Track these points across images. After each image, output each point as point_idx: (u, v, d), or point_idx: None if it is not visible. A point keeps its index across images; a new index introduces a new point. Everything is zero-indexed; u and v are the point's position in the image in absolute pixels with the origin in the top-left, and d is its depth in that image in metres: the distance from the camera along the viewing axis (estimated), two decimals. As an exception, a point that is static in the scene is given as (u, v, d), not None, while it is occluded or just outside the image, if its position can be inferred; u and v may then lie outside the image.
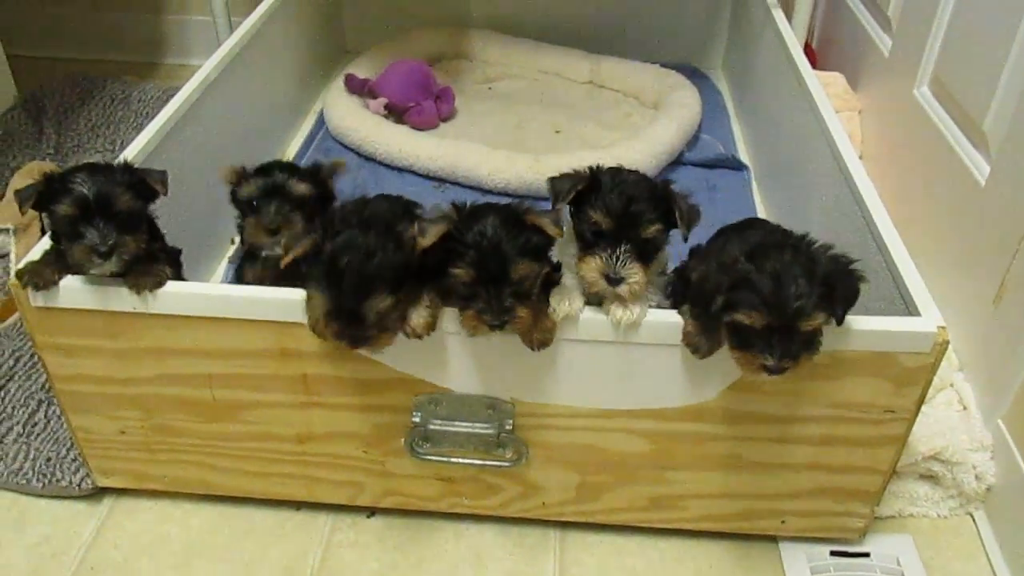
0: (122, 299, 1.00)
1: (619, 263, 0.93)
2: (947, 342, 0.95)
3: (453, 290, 0.94)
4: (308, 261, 0.94)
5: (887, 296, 1.07)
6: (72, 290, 1.01)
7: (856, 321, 0.95)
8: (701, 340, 0.95)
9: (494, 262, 0.91)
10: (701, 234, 1.56)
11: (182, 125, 1.40)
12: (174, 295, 1.00)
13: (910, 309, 1.00)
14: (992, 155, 1.28)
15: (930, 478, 1.23)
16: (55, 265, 1.00)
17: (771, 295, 0.87)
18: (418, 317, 0.96)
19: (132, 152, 1.26)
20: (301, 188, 1.12)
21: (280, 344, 1.02)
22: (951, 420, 1.23)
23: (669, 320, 0.97)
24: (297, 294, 0.98)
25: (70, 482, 1.20)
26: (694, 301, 0.95)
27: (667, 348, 0.98)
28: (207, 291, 1.01)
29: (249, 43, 1.67)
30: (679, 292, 1.02)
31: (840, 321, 0.91)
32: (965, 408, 1.25)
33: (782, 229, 1.01)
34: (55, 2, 2.41)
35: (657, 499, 1.13)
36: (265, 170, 1.15)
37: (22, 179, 1.68)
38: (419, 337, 0.96)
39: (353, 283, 0.90)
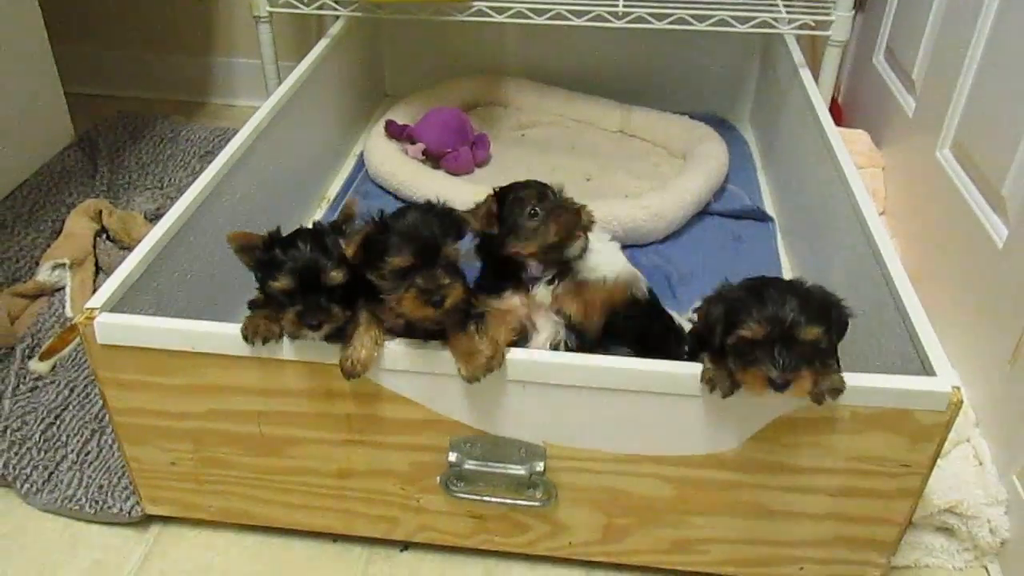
0: (180, 339, 1.07)
1: None
2: (961, 401, 0.99)
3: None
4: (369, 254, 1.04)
5: (904, 353, 1.12)
6: (134, 329, 1.08)
7: (874, 379, 1.00)
8: (719, 376, 1.00)
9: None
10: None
11: (236, 169, 1.48)
12: (228, 336, 1.07)
13: (926, 368, 1.05)
14: (1010, 219, 1.33)
15: (946, 530, 1.26)
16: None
17: (768, 309, 0.95)
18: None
19: (190, 196, 1.34)
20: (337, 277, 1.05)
21: (326, 385, 1.08)
22: (967, 474, 1.27)
23: (694, 371, 1.02)
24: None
25: (120, 509, 1.27)
26: (703, 339, 1.02)
27: (692, 398, 1.04)
28: (260, 333, 1.07)
29: (298, 91, 1.75)
30: (694, 345, 1.08)
31: (834, 345, 0.99)
32: (980, 463, 1.29)
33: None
34: (109, 43, 2.53)
35: (680, 542, 1.18)
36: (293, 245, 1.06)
37: (78, 217, 1.76)
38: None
39: (428, 235, 1.03)
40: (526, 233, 1.14)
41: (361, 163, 2.06)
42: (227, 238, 1.07)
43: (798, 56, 1.91)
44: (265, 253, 1.06)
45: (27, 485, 1.30)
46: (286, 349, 1.06)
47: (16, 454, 1.34)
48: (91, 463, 1.33)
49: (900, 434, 1.03)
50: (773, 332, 0.95)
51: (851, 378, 0.99)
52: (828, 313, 0.98)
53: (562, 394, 1.06)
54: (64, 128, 2.16)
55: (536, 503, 1.15)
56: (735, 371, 0.98)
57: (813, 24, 1.88)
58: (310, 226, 1.11)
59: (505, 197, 1.17)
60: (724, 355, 0.99)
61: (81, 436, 1.37)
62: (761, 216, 1.89)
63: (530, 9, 1.87)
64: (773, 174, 2.03)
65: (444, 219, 1.07)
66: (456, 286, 1.03)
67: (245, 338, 1.05)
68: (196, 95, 2.57)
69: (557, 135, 2.23)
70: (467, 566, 1.24)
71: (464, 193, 1.83)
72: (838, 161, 1.49)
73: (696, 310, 1.08)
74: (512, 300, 1.14)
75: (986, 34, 1.49)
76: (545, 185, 1.20)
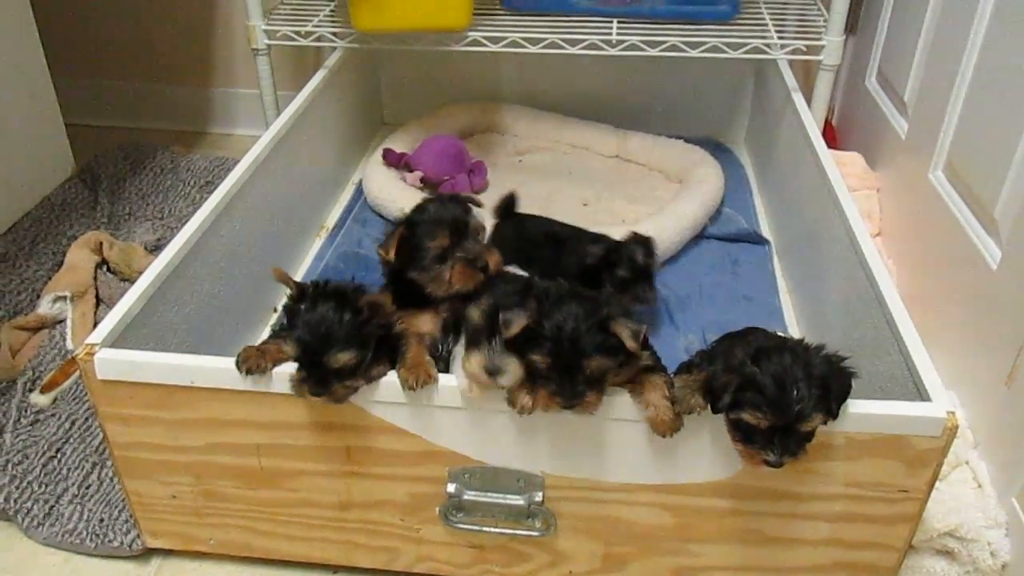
0: (179, 374, 1.08)
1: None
2: (956, 427, 1.00)
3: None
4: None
5: (899, 378, 1.12)
6: (134, 365, 1.09)
7: (868, 405, 1.01)
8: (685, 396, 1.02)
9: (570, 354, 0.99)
10: (721, 309, 1.64)
11: (236, 200, 1.49)
12: (228, 371, 1.07)
13: (921, 393, 1.05)
14: (1003, 241, 1.34)
15: (947, 554, 1.26)
16: None
17: (775, 398, 0.95)
18: None
19: (190, 229, 1.35)
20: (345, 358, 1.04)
21: (325, 417, 1.09)
22: (966, 497, 1.27)
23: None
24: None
25: (121, 543, 1.27)
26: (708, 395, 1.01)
27: (689, 427, 1.04)
28: (259, 367, 1.08)
29: (296, 121, 1.77)
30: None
31: (836, 416, 0.98)
32: (980, 486, 1.29)
33: (779, 335, 1.09)
34: (109, 75, 2.56)
35: (679, 570, 1.18)
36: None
37: (79, 249, 1.77)
38: None
39: (576, 345, 0.99)
40: (429, 274, 1.16)
41: (360, 191, 2.08)
42: (272, 270, 1.10)
43: (791, 80, 1.92)
44: (295, 303, 1.06)
45: (28, 519, 1.31)
46: (284, 383, 1.07)
47: (17, 488, 1.34)
48: (92, 496, 1.34)
49: (896, 460, 1.03)
50: (777, 423, 0.96)
51: (846, 406, 1.00)
52: (829, 388, 0.97)
53: (560, 424, 1.06)
54: (65, 160, 2.18)
55: (535, 533, 1.15)
56: (733, 442, 1.01)
57: (805, 49, 1.90)
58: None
59: (416, 223, 1.17)
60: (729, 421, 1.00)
61: (82, 469, 1.37)
62: (757, 239, 1.90)
63: (525, 38, 1.89)
64: (769, 197, 2.04)
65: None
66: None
67: (237, 366, 1.06)
68: (196, 125, 2.60)
69: (554, 161, 2.25)
70: (468, 596, 1.24)
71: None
72: (831, 185, 1.50)
73: (694, 362, 1.09)
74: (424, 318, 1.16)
75: (976, 56, 1.51)
76: (460, 219, 1.17)
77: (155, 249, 1.85)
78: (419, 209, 1.20)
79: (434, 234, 1.14)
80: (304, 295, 1.06)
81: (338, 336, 1.02)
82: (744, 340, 1.04)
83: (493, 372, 1.01)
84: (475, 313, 1.03)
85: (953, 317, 1.46)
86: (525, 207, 1.99)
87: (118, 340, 1.14)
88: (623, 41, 1.86)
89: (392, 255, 1.15)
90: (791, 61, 2.00)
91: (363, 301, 1.04)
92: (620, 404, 1.04)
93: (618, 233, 1.75)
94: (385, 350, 1.09)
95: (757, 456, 0.98)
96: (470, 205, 1.23)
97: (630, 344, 0.99)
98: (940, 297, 1.52)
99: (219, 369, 1.07)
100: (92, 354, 1.09)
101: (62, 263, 1.78)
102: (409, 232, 1.16)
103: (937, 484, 1.07)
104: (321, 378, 1.03)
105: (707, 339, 1.12)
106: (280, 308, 1.09)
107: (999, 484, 1.27)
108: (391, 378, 1.06)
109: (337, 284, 1.09)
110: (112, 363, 1.09)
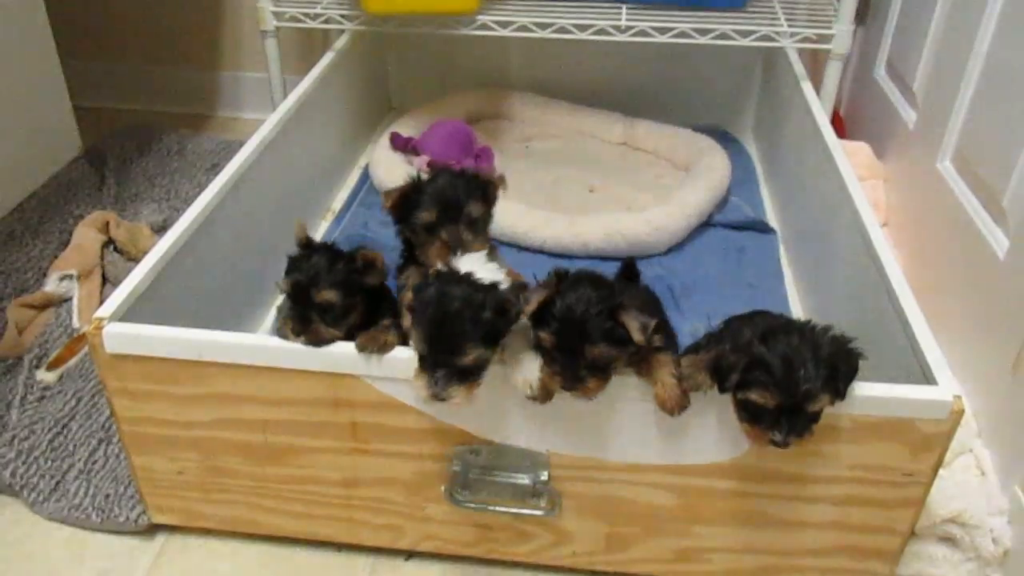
0: (188, 348, 1.09)
1: None
2: (962, 411, 1.00)
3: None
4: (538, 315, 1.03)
5: (906, 363, 1.12)
6: (142, 338, 1.09)
7: (875, 388, 1.01)
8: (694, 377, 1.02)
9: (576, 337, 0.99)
10: (726, 297, 1.64)
11: (242, 182, 1.49)
12: (236, 346, 1.08)
13: (927, 377, 1.05)
14: (1011, 231, 1.34)
15: (949, 540, 1.26)
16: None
17: (783, 378, 0.95)
18: None
19: (197, 208, 1.35)
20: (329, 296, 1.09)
21: (333, 394, 1.09)
22: (969, 484, 1.27)
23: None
24: (349, 347, 1.06)
25: (127, 518, 1.27)
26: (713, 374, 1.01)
27: (695, 408, 1.04)
28: (266, 343, 1.09)
29: (303, 104, 1.77)
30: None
31: (843, 396, 0.99)
32: (983, 473, 1.29)
33: (787, 317, 1.08)
34: (117, 57, 2.56)
35: (683, 552, 1.18)
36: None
37: (86, 228, 1.78)
38: None
39: (580, 330, 0.99)
40: (417, 239, 1.21)
41: (366, 175, 2.08)
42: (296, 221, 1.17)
43: (800, 69, 1.92)
44: (301, 251, 1.14)
45: (34, 494, 1.31)
46: (292, 358, 1.07)
47: (24, 463, 1.35)
48: (98, 472, 1.34)
49: (902, 443, 1.03)
50: (784, 403, 0.96)
51: (853, 387, 1.00)
52: (837, 368, 0.97)
53: (566, 403, 1.06)
54: (72, 140, 2.18)
55: (540, 512, 1.15)
56: (740, 422, 1.01)
57: (815, 38, 1.89)
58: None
59: (421, 188, 1.21)
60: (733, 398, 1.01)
61: (88, 445, 1.38)
62: (763, 228, 1.90)
63: (533, 23, 1.89)
64: (775, 186, 2.04)
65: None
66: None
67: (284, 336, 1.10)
68: (203, 108, 2.60)
69: (561, 147, 2.24)
70: (470, 575, 1.24)
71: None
72: (840, 173, 1.50)
73: (700, 344, 1.10)
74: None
75: (986, 47, 1.51)
76: (456, 202, 1.18)
77: (161, 230, 1.86)
78: (433, 176, 1.23)
79: (426, 206, 1.18)
80: (311, 247, 1.12)
81: (326, 277, 1.09)
82: (751, 322, 1.04)
83: (440, 399, 1.00)
84: (415, 338, 1.01)
85: (959, 307, 1.46)
86: (530, 193, 2.00)
87: (126, 315, 1.14)
88: (632, 27, 1.86)
89: (389, 205, 1.20)
90: (800, 50, 2.00)
91: (360, 254, 1.10)
92: (627, 384, 1.04)
93: (626, 221, 1.77)
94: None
95: (764, 436, 0.98)
96: (489, 186, 1.23)
97: (637, 337, 0.98)
98: (946, 287, 1.52)
99: (227, 343, 1.08)
100: (101, 328, 1.09)
101: (68, 242, 1.78)
102: (413, 193, 1.20)
103: (940, 471, 1.07)
104: (304, 317, 1.07)
105: (712, 326, 1.12)
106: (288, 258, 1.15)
107: (1002, 472, 1.28)
108: (397, 353, 1.06)
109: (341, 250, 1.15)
110: (121, 337, 1.09)
